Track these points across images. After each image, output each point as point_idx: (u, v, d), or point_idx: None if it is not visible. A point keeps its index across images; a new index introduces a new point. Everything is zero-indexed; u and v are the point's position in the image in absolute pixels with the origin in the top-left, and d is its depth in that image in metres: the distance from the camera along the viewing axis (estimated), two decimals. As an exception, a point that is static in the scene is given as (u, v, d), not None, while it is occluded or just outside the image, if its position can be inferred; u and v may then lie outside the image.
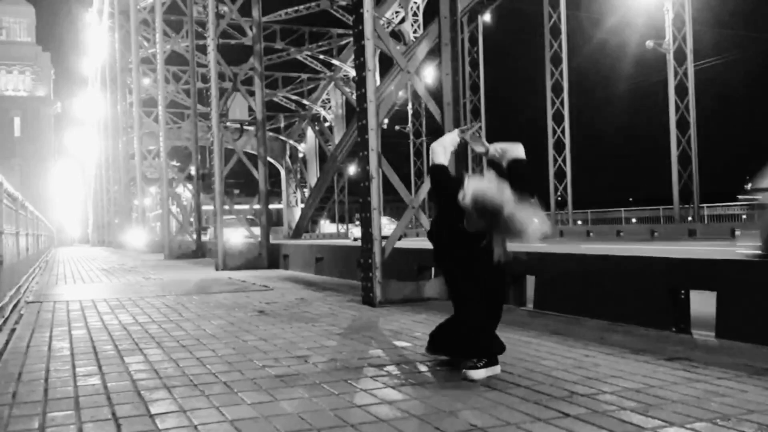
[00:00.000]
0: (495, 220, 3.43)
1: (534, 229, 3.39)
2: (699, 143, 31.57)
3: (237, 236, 16.78)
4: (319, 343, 4.84)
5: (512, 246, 3.59)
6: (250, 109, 15.22)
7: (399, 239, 8.01)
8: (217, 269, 13.77)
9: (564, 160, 37.02)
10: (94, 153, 52.70)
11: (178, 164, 36.61)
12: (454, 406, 3.16)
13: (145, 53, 35.52)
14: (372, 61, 7.34)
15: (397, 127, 52.05)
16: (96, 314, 6.87)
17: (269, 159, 28.43)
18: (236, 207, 17.77)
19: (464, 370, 3.71)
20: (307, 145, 61.13)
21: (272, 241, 14.98)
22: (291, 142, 60.60)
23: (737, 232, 26.45)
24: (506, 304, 3.92)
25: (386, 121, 46.74)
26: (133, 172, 29.50)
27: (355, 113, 8.56)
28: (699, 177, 31.65)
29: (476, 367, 3.70)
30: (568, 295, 6.16)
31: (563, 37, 36.89)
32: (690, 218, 31.90)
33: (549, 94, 36.91)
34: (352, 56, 8.07)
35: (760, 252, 7.63)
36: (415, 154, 51.17)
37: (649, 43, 31.93)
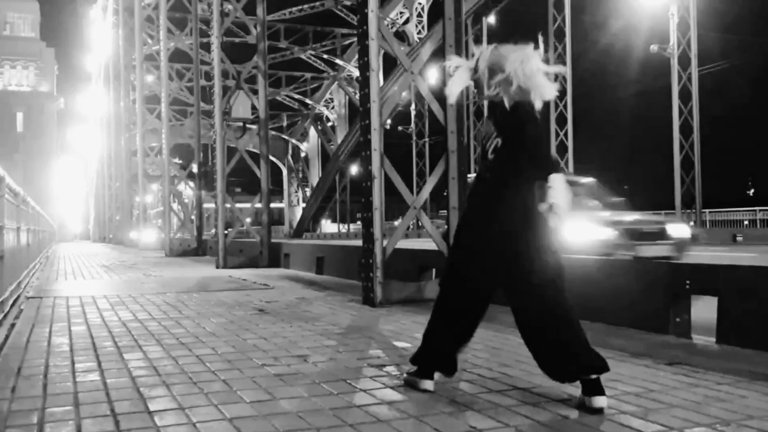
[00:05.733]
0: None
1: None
2: (702, 148, 31.52)
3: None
4: (319, 343, 4.84)
5: None
6: (253, 108, 15.21)
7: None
8: (217, 267, 13.77)
9: (567, 164, 37.00)
10: (96, 149, 52.76)
11: (180, 162, 36.58)
12: (454, 407, 3.16)
13: (148, 50, 35.62)
14: (376, 62, 7.34)
15: (400, 128, 52.04)
16: (96, 310, 6.88)
17: (271, 158, 28.42)
18: (238, 205, 17.74)
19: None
20: (310, 144, 61.20)
21: (273, 239, 14.98)
22: (293, 141, 60.65)
23: (739, 238, 26.47)
24: (498, 305, 3.67)
25: (389, 121, 46.73)
26: (135, 169, 29.51)
27: (358, 113, 8.56)
28: (701, 182, 31.62)
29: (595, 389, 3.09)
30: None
31: (567, 40, 36.88)
32: (692, 223, 31.86)
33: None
34: (356, 56, 8.06)
35: None
36: (418, 155, 51.11)
37: (654, 48, 31.88)
